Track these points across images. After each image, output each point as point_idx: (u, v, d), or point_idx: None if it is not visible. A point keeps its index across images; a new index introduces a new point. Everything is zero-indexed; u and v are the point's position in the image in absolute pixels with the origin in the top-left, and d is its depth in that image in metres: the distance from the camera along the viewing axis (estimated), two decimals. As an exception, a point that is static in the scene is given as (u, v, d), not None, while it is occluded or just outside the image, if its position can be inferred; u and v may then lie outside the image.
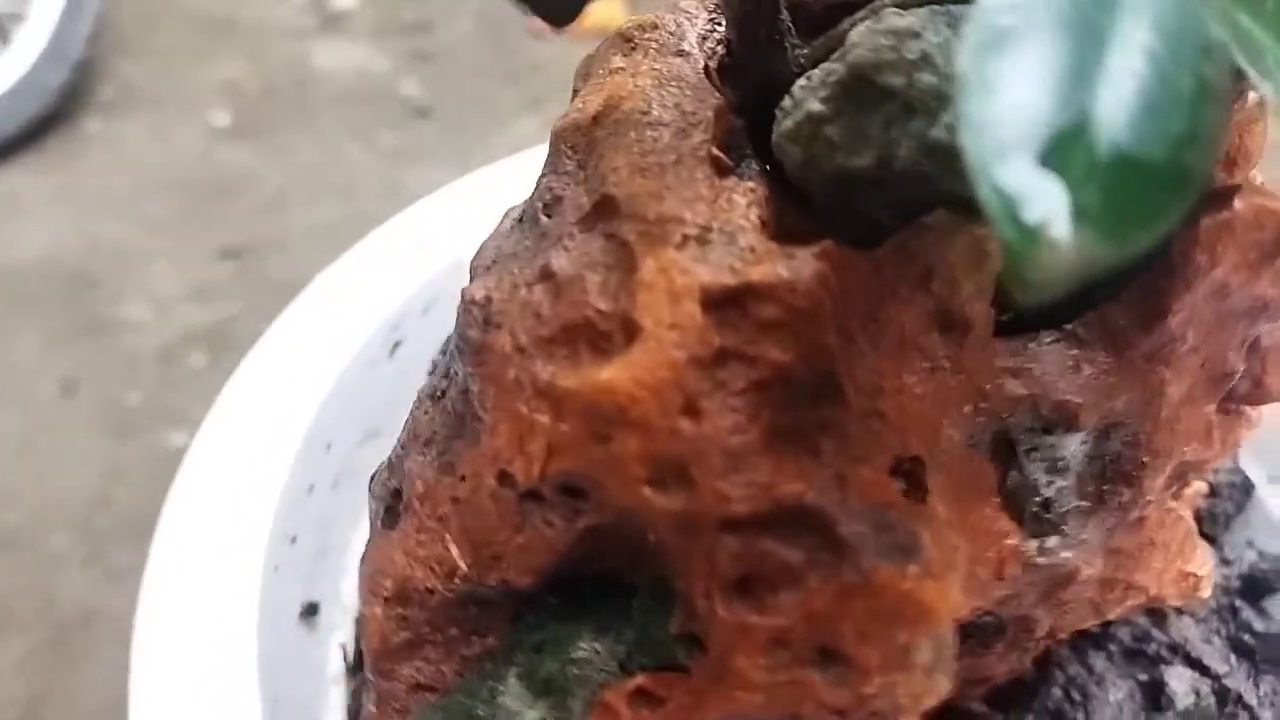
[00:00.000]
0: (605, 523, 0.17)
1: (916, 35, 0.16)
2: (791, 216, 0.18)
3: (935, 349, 0.18)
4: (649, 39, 0.20)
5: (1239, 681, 0.32)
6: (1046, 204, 0.11)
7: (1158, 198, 0.12)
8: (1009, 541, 0.19)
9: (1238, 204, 0.17)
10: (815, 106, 0.17)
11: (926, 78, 0.16)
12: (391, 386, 0.35)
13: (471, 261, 0.22)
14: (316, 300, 0.33)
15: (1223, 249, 0.18)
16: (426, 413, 0.21)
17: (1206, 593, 0.24)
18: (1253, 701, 0.31)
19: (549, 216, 0.19)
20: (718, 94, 0.19)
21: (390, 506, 0.21)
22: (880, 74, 0.17)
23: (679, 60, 0.19)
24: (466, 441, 0.19)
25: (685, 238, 0.17)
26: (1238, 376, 0.20)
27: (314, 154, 1.06)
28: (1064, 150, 0.12)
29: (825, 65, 0.17)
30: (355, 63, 1.15)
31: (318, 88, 1.12)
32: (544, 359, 0.17)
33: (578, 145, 0.19)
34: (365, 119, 1.10)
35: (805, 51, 0.19)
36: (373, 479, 0.24)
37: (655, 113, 0.18)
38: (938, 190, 0.17)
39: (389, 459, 0.22)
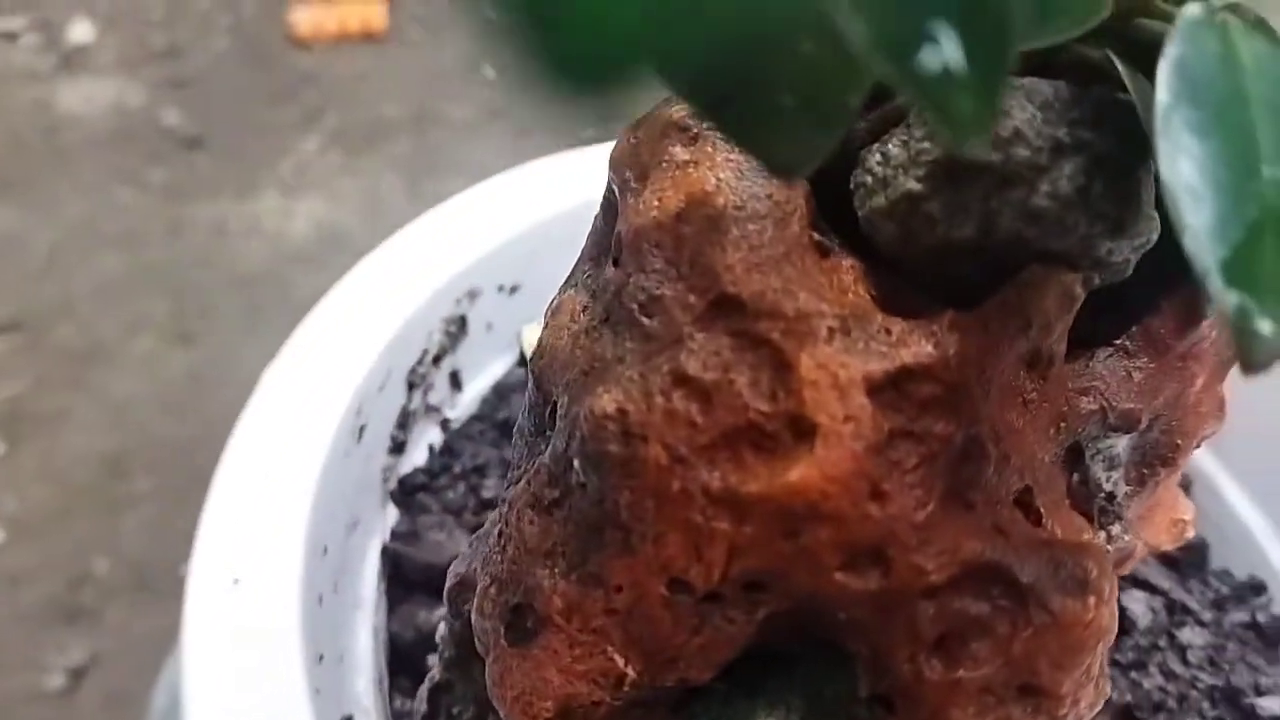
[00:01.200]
0: (786, 608, 0.18)
1: (1006, 113, 0.18)
2: (890, 288, 0.19)
3: (1026, 385, 0.20)
4: (711, 128, 0.20)
5: (1180, 592, 0.36)
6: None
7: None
8: (1089, 538, 0.22)
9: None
10: (913, 185, 0.18)
11: (1021, 151, 0.18)
12: (361, 471, 0.34)
13: (537, 363, 0.22)
14: (275, 395, 0.32)
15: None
16: (533, 523, 0.21)
17: (1192, 533, 0.28)
18: (1195, 607, 0.36)
19: (650, 318, 0.19)
20: (802, 180, 0.19)
21: (514, 624, 0.21)
22: (973, 154, 0.18)
23: (752, 148, 0.20)
24: (612, 552, 0.19)
25: (831, 330, 0.18)
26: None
27: (81, 205, 0.97)
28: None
29: (909, 144, 0.19)
30: (107, 100, 1.06)
31: (70, 132, 1.02)
32: (708, 466, 0.18)
33: (663, 243, 0.20)
34: (130, 158, 1.02)
35: (862, 125, 0.20)
36: (453, 595, 0.24)
37: (750, 206, 0.19)
38: (1035, 250, 0.19)
39: (486, 574, 0.22)
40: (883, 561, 0.17)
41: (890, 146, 0.19)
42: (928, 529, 0.17)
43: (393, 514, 0.35)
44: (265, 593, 0.27)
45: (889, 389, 0.17)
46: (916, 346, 0.17)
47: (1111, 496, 0.22)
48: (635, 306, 0.20)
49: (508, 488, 0.23)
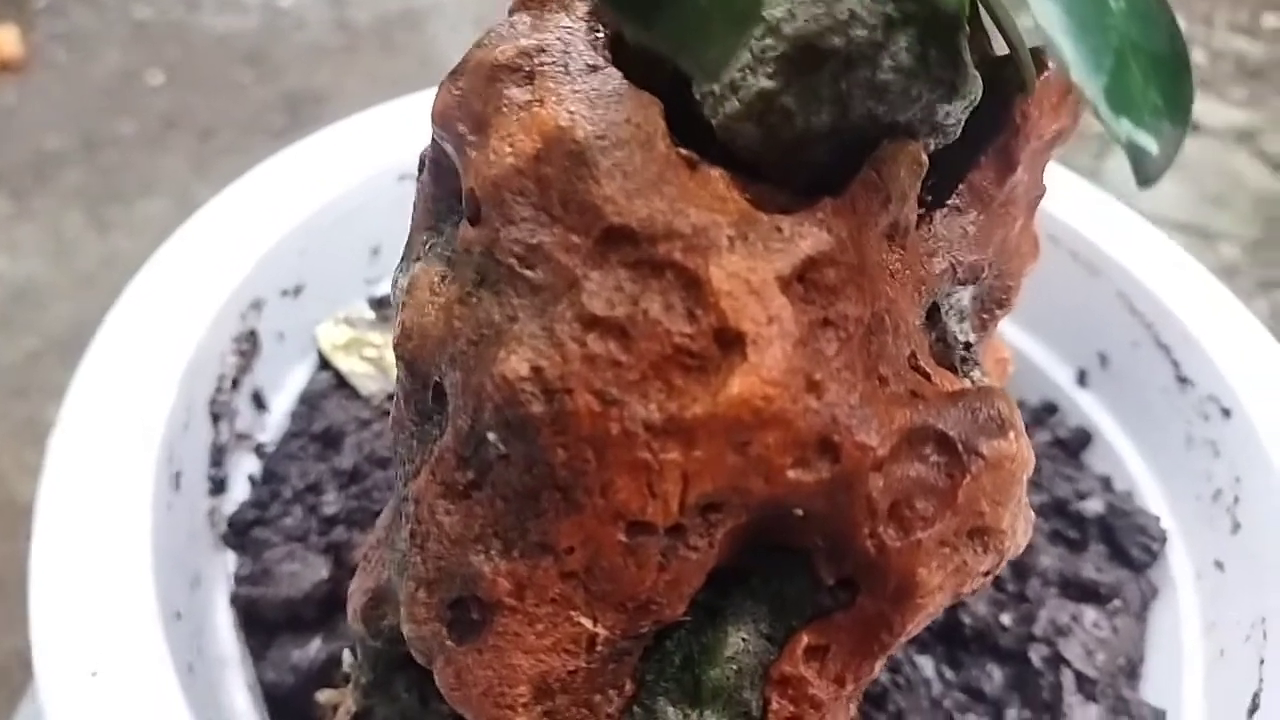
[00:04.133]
0: (742, 523, 0.18)
1: (839, -3, 0.18)
2: (759, 189, 0.19)
3: (891, 257, 0.21)
4: (546, 63, 0.19)
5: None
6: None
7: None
8: (960, 388, 0.23)
9: (1050, 62, 0.22)
10: (765, 83, 0.19)
11: (859, 32, 0.18)
12: (188, 521, 0.31)
13: (405, 347, 0.21)
14: (75, 459, 0.28)
15: (1044, 101, 0.22)
16: (450, 513, 0.20)
17: (1013, 368, 0.30)
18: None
19: (532, 269, 0.18)
20: (650, 96, 0.19)
21: (456, 620, 0.19)
22: (823, 39, 0.18)
23: (596, 76, 0.19)
24: (554, 515, 0.18)
25: (730, 239, 0.17)
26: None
27: None
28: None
29: (752, 44, 0.19)
30: None
31: None
32: (643, 401, 0.17)
33: (526, 189, 0.19)
34: None
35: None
36: (367, 613, 0.22)
37: (611, 134, 0.18)
38: (884, 124, 0.19)
39: (408, 580, 0.20)
40: (830, 450, 0.17)
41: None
42: (863, 408, 0.18)
43: (231, 558, 0.32)
44: (131, 678, 0.24)
45: (798, 283, 0.17)
46: (812, 237, 0.18)
47: (968, 345, 0.24)
48: (514, 261, 0.19)
49: (404, 484, 0.21)
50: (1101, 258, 0.39)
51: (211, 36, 1.28)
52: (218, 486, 0.33)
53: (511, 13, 0.22)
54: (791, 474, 0.17)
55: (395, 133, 0.40)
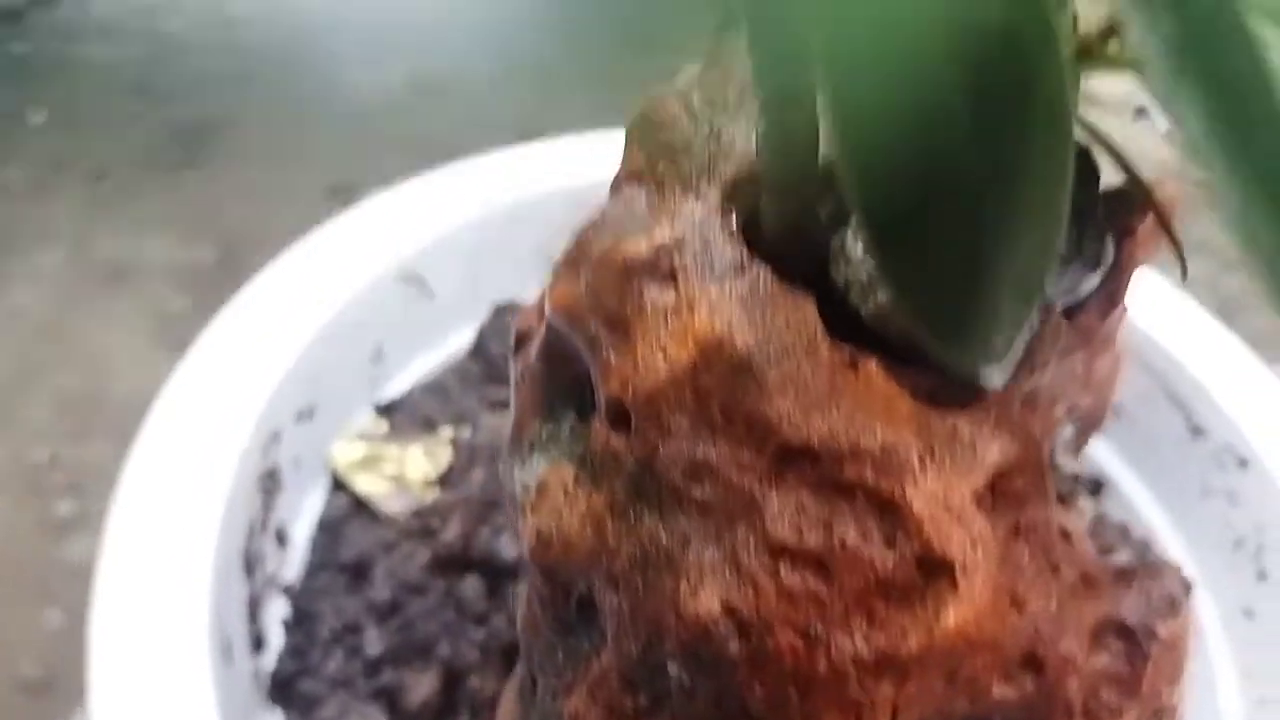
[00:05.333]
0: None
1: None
2: (917, 382, 0.19)
3: (1029, 420, 0.20)
4: (687, 261, 0.18)
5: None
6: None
7: None
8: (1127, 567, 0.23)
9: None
10: (923, 278, 0.18)
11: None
12: (243, 690, 0.29)
13: (544, 555, 0.20)
14: (129, 643, 0.26)
15: (1148, 240, 0.22)
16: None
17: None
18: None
19: (700, 486, 0.18)
20: (803, 294, 0.18)
21: None
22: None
23: (744, 276, 0.18)
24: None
25: (921, 457, 0.17)
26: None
27: None
28: None
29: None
30: None
31: None
32: (848, 636, 0.16)
33: (684, 402, 0.18)
34: None
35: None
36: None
37: (773, 340, 0.17)
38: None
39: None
40: (1034, 663, 0.17)
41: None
42: (1059, 614, 0.17)
43: (281, 717, 0.30)
44: None
45: (989, 496, 0.17)
46: (998, 444, 0.17)
47: (1076, 476, 0.24)
48: (678, 478, 0.18)
49: (552, 698, 0.20)
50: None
51: (94, 68, 1.21)
52: (257, 644, 0.31)
53: (618, 187, 0.20)
54: (996, 691, 0.17)
55: (390, 230, 0.38)
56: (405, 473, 0.36)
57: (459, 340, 0.40)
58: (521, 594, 0.23)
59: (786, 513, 0.17)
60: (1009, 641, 0.17)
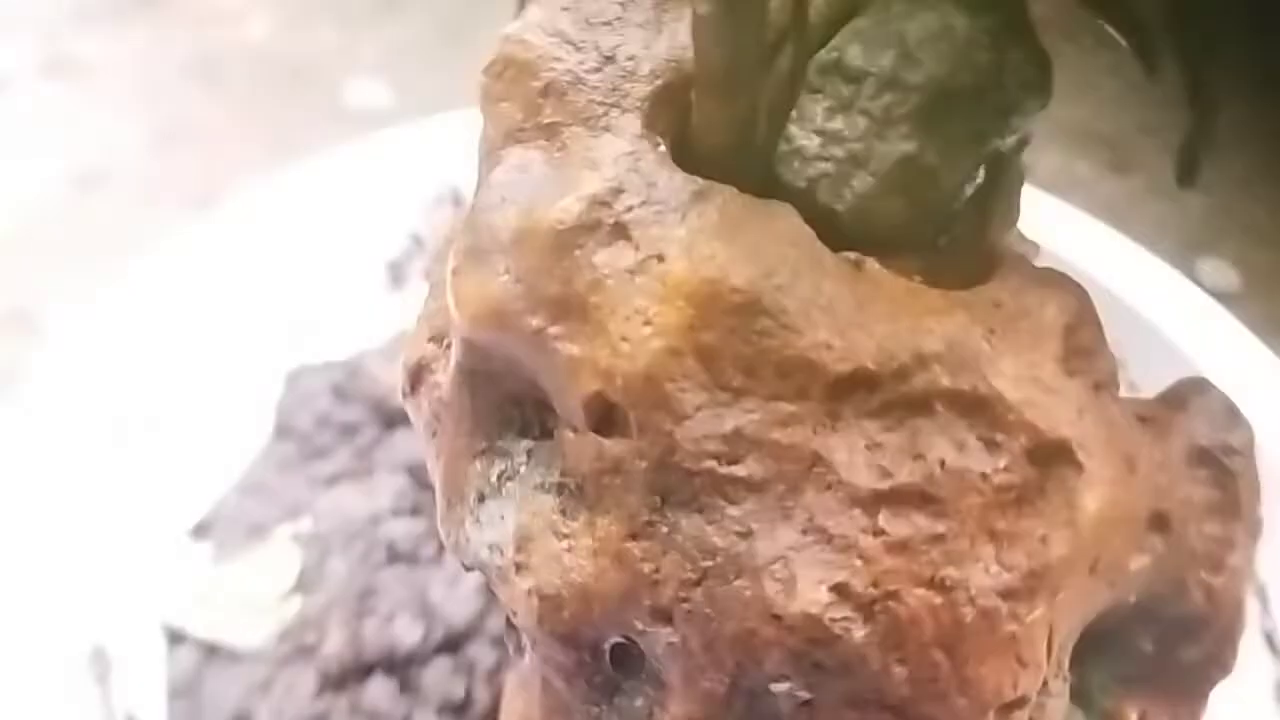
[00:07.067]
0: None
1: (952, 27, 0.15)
2: (910, 269, 0.16)
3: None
4: (633, 205, 0.15)
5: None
6: None
7: None
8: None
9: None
10: (903, 147, 0.15)
11: (982, 56, 0.16)
12: None
13: (553, 620, 0.16)
14: None
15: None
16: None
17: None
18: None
19: (741, 464, 0.14)
20: (780, 204, 0.15)
21: None
22: (955, 78, 0.15)
23: (708, 203, 0.15)
24: None
25: (989, 339, 0.14)
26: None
27: None
28: None
29: (871, 106, 0.15)
30: None
31: None
32: (985, 567, 0.14)
33: (689, 370, 0.14)
34: None
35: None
36: None
37: (776, 271, 0.14)
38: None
39: None
40: (1160, 522, 0.15)
41: (834, 123, 0.16)
42: (1161, 460, 0.16)
43: None
44: None
45: (1068, 359, 0.15)
46: (1050, 301, 0.15)
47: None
48: (712, 463, 0.14)
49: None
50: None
51: None
52: None
53: (493, 156, 0.16)
54: (1134, 565, 0.15)
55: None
56: (253, 593, 0.30)
57: (257, 425, 0.34)
58: (517, 680, 0.18)
59: (860, 455, 0.14)
60: (1139, 508, 0.15)
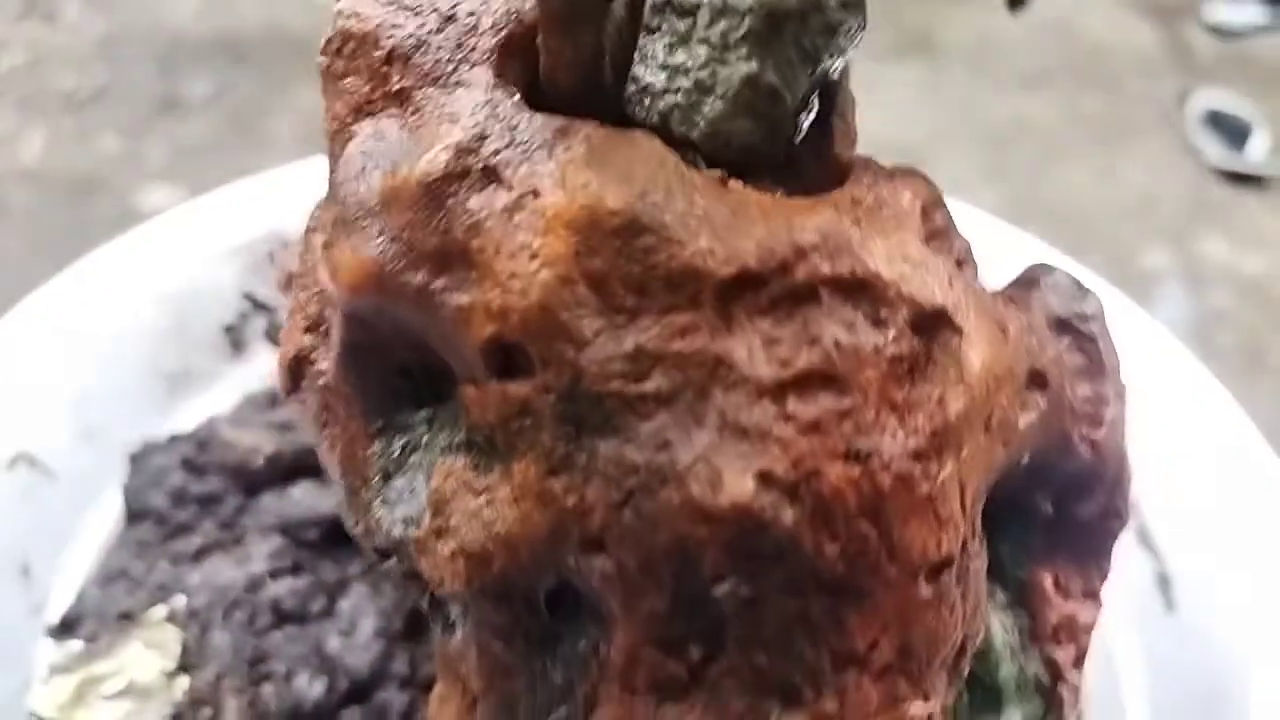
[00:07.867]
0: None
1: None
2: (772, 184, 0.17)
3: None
4: (499, 148, 0.15)
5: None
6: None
7: None
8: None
9: None
10: (745, 68, 0.16)
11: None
12: None
13: (478, 578, 0.15)
14: None
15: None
16: (687, 715, 0.15)
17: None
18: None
19: (648, 379, 0.14)
20: (639, 131, 0.16)
21: None
22: (783, 2, 0.16)
23: (571, 138, 0.15)
24: (841, 623, 0.15)
25: (858, 227, 0.15)
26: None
27: None
28: None
29: (710, 34, 0.16)
30: None
31: None
32: (893, 434, 0.14)
33: (582, 297, 0.14)
34: None
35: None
36: None
37: (649, 185, 0.15)
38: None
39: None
40: (1039, 379, 0.16)
41: (677, 56, 0.16)
42: (1029, 323, 0.17)
43: None
44: None
45: (930, 238, 0.16)
46: (904, 190, 0.16)
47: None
48: (619, 383, 0.14)
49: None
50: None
51: None
52: None
53: (341, 133, 0.16)
54: (1022, 422, 0.16)
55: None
56: (135, 680, 0.28)
57: (106, 508, 0.32)
58: (444, 664, 0.18)
59: (759, 350, 0.14)
60: (1018, 365, 0.16)
